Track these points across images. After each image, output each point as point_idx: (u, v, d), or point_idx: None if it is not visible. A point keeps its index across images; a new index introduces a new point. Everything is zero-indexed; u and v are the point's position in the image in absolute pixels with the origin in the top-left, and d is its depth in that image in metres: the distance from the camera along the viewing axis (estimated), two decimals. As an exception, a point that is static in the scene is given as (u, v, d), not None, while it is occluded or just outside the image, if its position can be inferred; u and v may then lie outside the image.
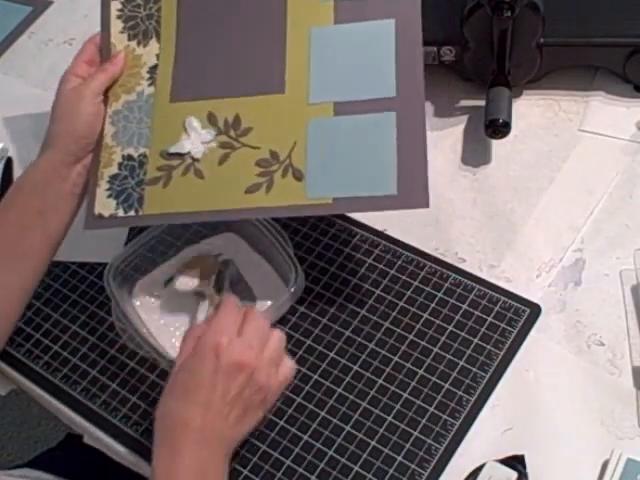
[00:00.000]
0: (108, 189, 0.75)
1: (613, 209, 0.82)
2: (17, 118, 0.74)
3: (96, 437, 0.76)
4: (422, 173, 0.69)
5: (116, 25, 0.79)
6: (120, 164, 0.75)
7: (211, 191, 0.72)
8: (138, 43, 0.78)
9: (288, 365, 0.66)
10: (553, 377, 0.72)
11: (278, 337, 0.66)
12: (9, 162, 0.97)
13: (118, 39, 0.79)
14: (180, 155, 0.73)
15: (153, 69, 0.76)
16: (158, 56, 0.77)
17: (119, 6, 0.80)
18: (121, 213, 0.74)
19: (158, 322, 0.78)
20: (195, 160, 0.73)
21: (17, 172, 0.96)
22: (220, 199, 0.71)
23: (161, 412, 0.62)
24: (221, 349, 0.62)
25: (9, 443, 1.68)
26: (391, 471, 0.68)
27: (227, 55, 0.75)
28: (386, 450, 0.70)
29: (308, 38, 0.73)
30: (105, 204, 0.74)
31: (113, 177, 0.75)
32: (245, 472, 0.71)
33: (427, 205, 0.68)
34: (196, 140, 0.73)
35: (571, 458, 0.67)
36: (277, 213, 0.71)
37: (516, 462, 0.66)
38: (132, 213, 0.73)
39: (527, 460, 0.66)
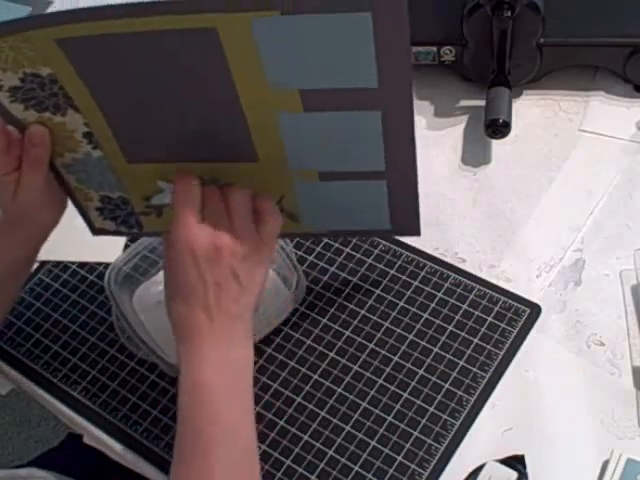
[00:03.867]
0: (100, 214, 0.72)
1: (613, 209, 0.82)
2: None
3: (96, 437, 0.76)
4: (413, 210, 0.69)
5: (16, 108, 0.61)
6: (102, 200, 0.71)
7: None
8: (53, 113, 0.61)
9: (269, 216, 0.63)
10: (553, 377, 0.72)
11: (239, 199, 0.61)
12: (9, 162, 0.97)
13: (24, 115, 0.62)
14: (163, 204, 0.68)
15: (88, 135, 0.63)
16: (87, 124, 0.62)
17: (7, 95, 0.60)
18: (124, 230, 0.73)
19: (158, 324, 0.78)
20: None
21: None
22: None
23: (173, 317, 0.62)
24: (191, 242, 0.59)
25: (9, 443, 1.68)
26: (391, 471, 0.68)
27: (171, 120, 0.61)
28: (386, 450, 0.70)
29: (275, 119, 0.59)
30: (104, 223, 0.73)
31: (100, 208, 0.71)
32: (245, 472, 0.71)
33: (419, 234, 0.73)
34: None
35: (571, 458, 0.67)
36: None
37: (516, 462, 0.66)
38: (136, 230, 0.73)
39: (527, 460, 0.66)
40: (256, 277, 0.62)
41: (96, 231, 0.74)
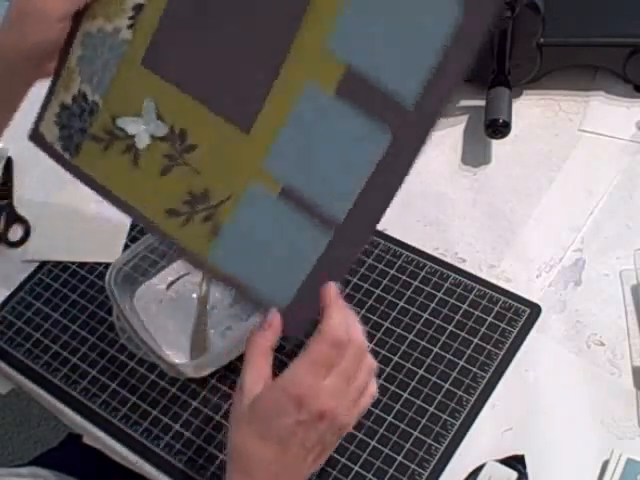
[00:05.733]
0: (57, 115, 0.69)
1: (613, 209, 0.82)
2: (17, 118, 0.74)
3: (96, 437, 0.76)
4: (314, 308, 0.59)
5: None
6: (74, 97, 0.67)
7: (138, 186, 0.66)
8: None
9: (370, 392, 0.60)
10: (553, 377, 0.72)
11: (368, 367, 0.59)
12: (9, 162, 0.97)
13: None
14: (125, 132, 0.66)
15: (137, 9, 0.63)
16: None
17: None
18: (58, 147, 0.69)
19: (158, 325, 0.78)
20: (137, 149, 0.66)
21: (17, 172, 0.96)
22: (142, 199, 0.66)
23: (237, 442, 0.59)
24: (304, 401, 0.56)
25: (9, 443, 1.68)
26: (391, 471, 0.68)
27: (214, 47, 0.62)
28: (386, 450, 0.70)
29: (299, 92, 0.58)
30: (50, 128, 0.70)
31: (64, 106, 0.68)
32: (245, 472, 0.71)
33: (300, 333, 0.63)
34: (145, 129, 0.65)
35: (571, 458, 0.67)
36: (179, 252, 0.66)
37: (516, 462, 0.66)
38: (67, 155, 0.69)
39: (527, 460, 0.66)
40: (329, 452, 0.61)
41: (34, 135, 0.70)
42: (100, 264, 0.86)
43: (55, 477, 0.82)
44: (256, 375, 0.59)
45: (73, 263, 0.87)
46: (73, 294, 0.84)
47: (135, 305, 0.79)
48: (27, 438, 1.68)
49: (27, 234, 0.90)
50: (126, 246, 0.86)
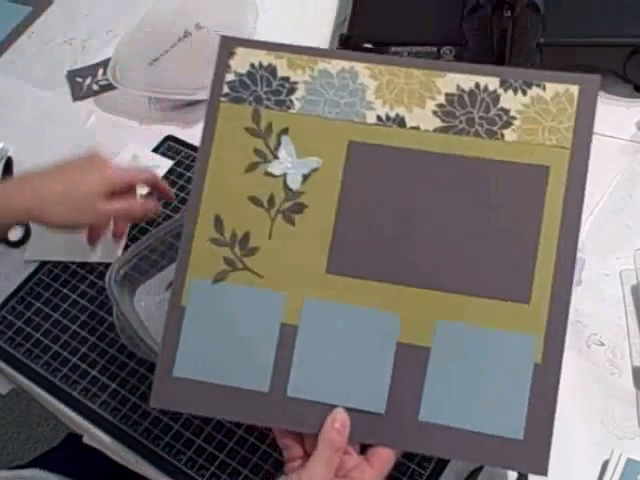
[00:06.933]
0: None
1: (613, 209, 0.82)
2: (17, 118, 0.74)
3: (96, 437, 0.76)
4: None
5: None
6: None
7: None
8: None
9: None
10: (553, 377, 0.72)
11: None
12: (9, 162, 0.97)
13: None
14: None
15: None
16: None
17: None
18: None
19: (158, 325, 0.78)
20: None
21: (17, 172, 0.96)
22: None
23: None
24: None
25: (9, 443, 1.68)
26: (391, 471, 0.68)
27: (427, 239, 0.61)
28: (386, 450, 0.69)
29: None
30: None
31: None
32: (245, 472, 0.71)
33: None
34: None
35: (571, 458, 0.67)
36: None
37: (516, 462, 0.66)
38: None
39: (527, 460, 0.66)
40: None
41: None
42: (100, 264, 0.86)
43: (56, 479, 0.82)
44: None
45: (73, 263, 0.87)
46: (73, 294, 0.84)
47: (135, 305, 0.79)
48: (27, 438, 1.68)
49: (27, 234, 0.90)
50: (126, 246, 0.86)
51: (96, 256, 0.86)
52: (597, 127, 0.88)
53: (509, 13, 0.81)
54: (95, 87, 1.05)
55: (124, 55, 1.01)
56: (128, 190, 0.78)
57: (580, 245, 0.79)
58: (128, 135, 0.98)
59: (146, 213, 0.80)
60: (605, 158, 0.85)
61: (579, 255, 0.79)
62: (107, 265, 0.80)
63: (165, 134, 0.97)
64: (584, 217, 0.81)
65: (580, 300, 0.76)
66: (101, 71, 1.06)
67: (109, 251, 0.86)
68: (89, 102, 1.04)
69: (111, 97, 1.03)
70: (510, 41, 0.85)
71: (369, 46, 0.91)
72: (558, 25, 0.86)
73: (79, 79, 1.06)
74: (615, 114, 0.89)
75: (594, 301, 0.76)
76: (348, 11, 0.97)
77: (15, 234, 0.90)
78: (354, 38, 0.93)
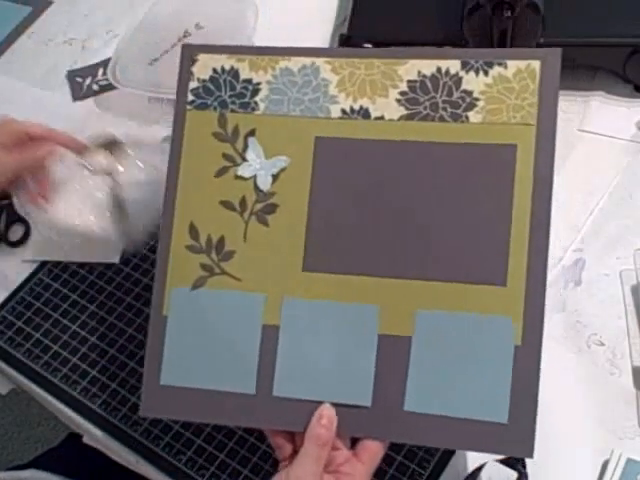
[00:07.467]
0: None
1: (613, 209, 0.82)
2: (17, 118, 0.74)
3: (96, 437, 0.76)
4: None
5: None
6: None
7: None
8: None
9: None
10: (553, 377, 0.72)
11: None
12: (9, 162, 0.97)
13: None
14: None
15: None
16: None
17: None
18: None
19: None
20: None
21: (17, 172, 0.96)
22: None
23: None
24: None
25: (9, 443, 1.68)
26: (391, 471, 0.68)
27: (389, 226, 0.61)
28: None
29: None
30: None
31: None
32: (245, 472, 0.71)
33: None
34: None
35: (571, 458, 0.67)
36: None
37: (516, 462, 0.66)
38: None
39: (527, 460, 0.66)
40: None
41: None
42: (100, 264, 0.86)
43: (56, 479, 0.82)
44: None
45: (73, 263, 0.87)
46: (73, 294, 0.84)
47: None
48: (27, 438, 1.68)
49: (27, 234, 0.90)
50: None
51: (96, 256, 0.86)
52: (597, 127, 0.89)
53: (509, 13, 0.81)
54: (95, 87, 1.05)
55: (124, 55, 1.01)
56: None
57: (580, 245, 0.80)
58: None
59: (48, 156, 0.76)
60: (605, 158, 0.86)
61: (579, 255, 0.79)
62: (107, 265, 0.80)
63: (165, 134, 0.97)
64: (584, 217, 0.82)
65: (580, 300, 0.76)
66: (101, 71, 1.06)
67: (109, 251, 0.86)
68: (89, 102, 1.04)
69: (111, 97, 1.03)
70: (510, 41, 0.85)
71: (369, 46, 0.91)
72: (558, 25, 0.86)
73: (79, 79, 1.06)
74: (615, 114, 0.89)
75: (594, 301, 0.76)
76: (348, 11, 0.97)
77: (15, 234, 0.91)
78: (354, 38, 0.93)
